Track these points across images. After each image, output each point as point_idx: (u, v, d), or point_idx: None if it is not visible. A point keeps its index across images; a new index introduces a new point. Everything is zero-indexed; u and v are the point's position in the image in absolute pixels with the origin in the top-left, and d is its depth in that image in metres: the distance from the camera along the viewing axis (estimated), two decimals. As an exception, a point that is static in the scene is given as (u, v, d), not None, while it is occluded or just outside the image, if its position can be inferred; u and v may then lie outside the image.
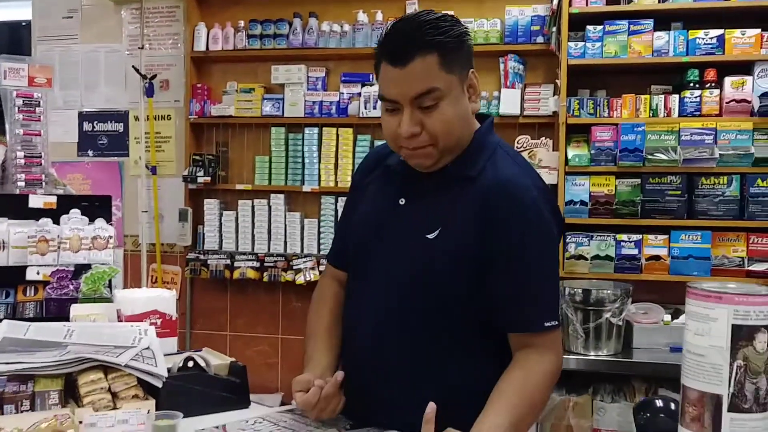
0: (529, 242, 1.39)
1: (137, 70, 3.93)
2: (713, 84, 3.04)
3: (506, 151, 1.51)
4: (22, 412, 1.45)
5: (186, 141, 3.91)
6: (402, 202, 1.50)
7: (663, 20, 3.09)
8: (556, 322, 1.41)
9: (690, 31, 3.04)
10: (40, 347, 1.58)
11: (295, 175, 3.78)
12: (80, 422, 1.42)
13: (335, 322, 1.62)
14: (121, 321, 1.81)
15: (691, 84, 3.06)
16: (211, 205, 3.87)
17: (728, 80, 3.01)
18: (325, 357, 1.55)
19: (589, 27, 3.13)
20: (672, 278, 3.04)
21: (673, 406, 1.22)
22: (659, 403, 1.26)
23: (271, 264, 3.75)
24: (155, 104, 4.00)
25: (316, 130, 3.74)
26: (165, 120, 4.06)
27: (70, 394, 1.53)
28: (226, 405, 1.67)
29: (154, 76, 3.97)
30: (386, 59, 1.38)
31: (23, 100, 2.10)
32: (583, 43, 3.13)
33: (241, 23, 3.82)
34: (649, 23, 3.07)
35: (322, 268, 3.63)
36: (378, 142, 3.67)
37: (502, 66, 3.52)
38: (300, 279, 3.68)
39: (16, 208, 2.02)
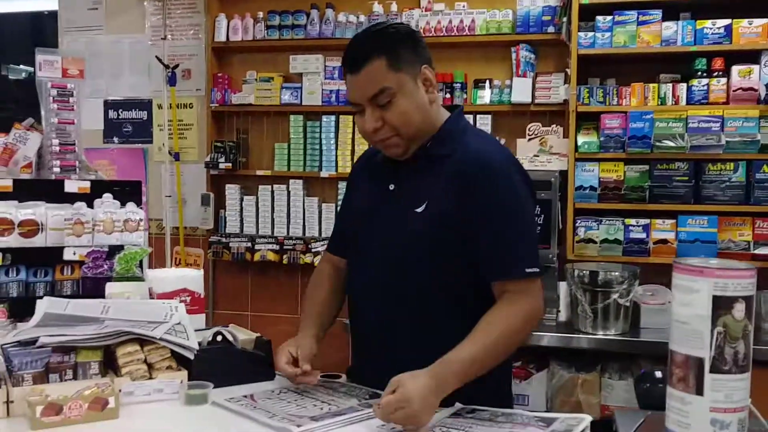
0: (502, 199, 1.59)
1: (160, 60, 4.05)
2: (720, 72, 3.11)
3: (476, 132, 1.77)
4: (65, 381, 1.59)
5: (208, 128, 4.04)
6: (391, 187, 1.69)
7: (671, 10, 3.16)
8: (537, 269, 1.58)
9: (698, 21, 3.10)
10: (80, 322, 1.71)
11: (313, 161, 3.90)
12: (119, 390, 1.55)
13: (328, 298, 1.84)
14: (153, 298, 1.94)
15: (699, 73, 3.13)
16: (232, 190, 4.00)
17: (735, 69, 3.08)
18: (313, 328, 1.77)
19: (599, 17, 3.21)
20: (679, 262, 3.12)
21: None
22: (658, 374, 1.37)
23: (290, 247, 3.88)
24: (177, 93, 4.13)
25: (333, 117, 3.85)
26: (187, 108, 4.19)
27: (108, 365, 1.66)
28: (252, 377, 1.79)
29: (177, 66, 4.10)
30: (345, 68, 1.61)
31: (57, 91, 2.22)
32: (593, 33, 3.20)
33: (260, 14, 3.92)
34: (658, 13, 3.14)
35: (339, 251, 3.76)
36: (393, 130, 3.77)
37: (513, 55, 3.61)
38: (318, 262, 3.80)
39: (52, 192, 2.14)
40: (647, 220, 3.15)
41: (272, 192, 3.96)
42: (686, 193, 3.11)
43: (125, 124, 4.27)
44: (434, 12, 3.70)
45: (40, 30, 4.69)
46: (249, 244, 3.95)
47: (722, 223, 3.09)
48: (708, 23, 3.08)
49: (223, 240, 3.98)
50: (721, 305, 1.00)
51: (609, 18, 3.18)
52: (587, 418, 1.40)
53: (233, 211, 4.02)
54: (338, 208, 2.05)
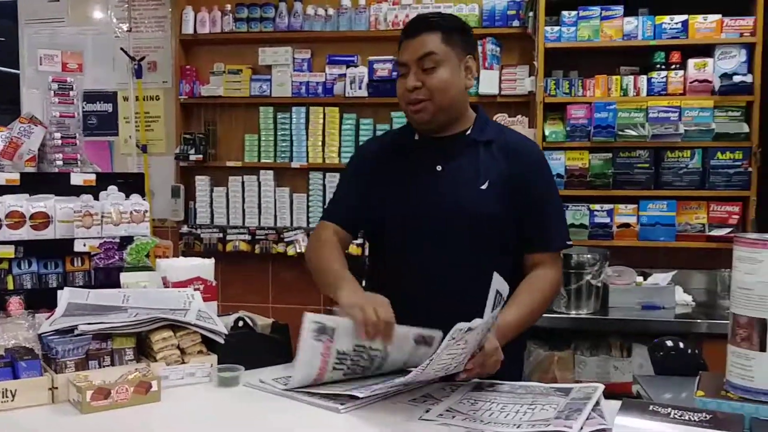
0: (548, 182, 1.88)
1: (126, 52, 4.02)
2: (678, 65, 3.33)
3: (505, 127, 2.03)
4: (104, 367, 1.63)
5: (176, 120, 4.03)
6: (439, 168, 1.84)
7: (632, 6, 3.35)
8: (570, 243, 1.87)
9: (657, 17, 3.31)
10: (104, 311, 1.74)
11: (284, 152, 3.95)
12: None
13: (344, 260, 1.86)
14: (167, 287, 1.98)
15: (658, 65, 3.34)
16: (202, 182, 4.01)
17: (691, 62, 3.30)
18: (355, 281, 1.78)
19: (564, 12, 3.37)
20: (641, 244, 3.35)
21: (681, 345, 1.49)
22: (669, 343, 1.52)
23: (263, 237, 3.93)
24: (144, 85, 4.10)
25: (303, 109, 3.91)
26: (154, 100, 4.17)
27: (140, 351, 1.71)
28: (272, 359, 1.87)
29: (143, 58, 4.07)
30: (403, 35, 1.82)
31: (58, 85, 2.23)
32: (558, 27, 3.37)
33: (228, 7, 3.94)
34: (620, 9, 3.33)
35: (313, 240, 3.83)
36: (364, 121, 3.87)
37: (480, 48, 3.74)
38: (291, 251, 3.87)
39: (57, 185, 2.16)
40: (611, 206, 3.35)
41: (243, 183, 4.00)
42: (647, 180, 3.32)
43: (90, 116, 4.21)
44: (402, 5, 3.80)
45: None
46: (221, 235, 3.97)
47: (680, 207, 3.32)
48: (666, 19, 3.29)
49: (195, 231, 3.99)
50: None
51: (574, 13, 3.35)
52: (600, 387, 1.54)
53: (203, 203, 4.03)
54: (340, 186, 2.04)
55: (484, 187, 1.80)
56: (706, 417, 1.07)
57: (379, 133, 3.82)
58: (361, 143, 3.84)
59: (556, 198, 1.89)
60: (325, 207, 2.12)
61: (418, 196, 1.84)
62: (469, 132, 1.87)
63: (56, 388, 1.54)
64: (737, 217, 3.29)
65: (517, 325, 1.72)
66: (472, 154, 1.84)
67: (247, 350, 1.82)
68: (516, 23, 3.68)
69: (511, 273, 1.84)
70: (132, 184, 2.26)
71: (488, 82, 3.70)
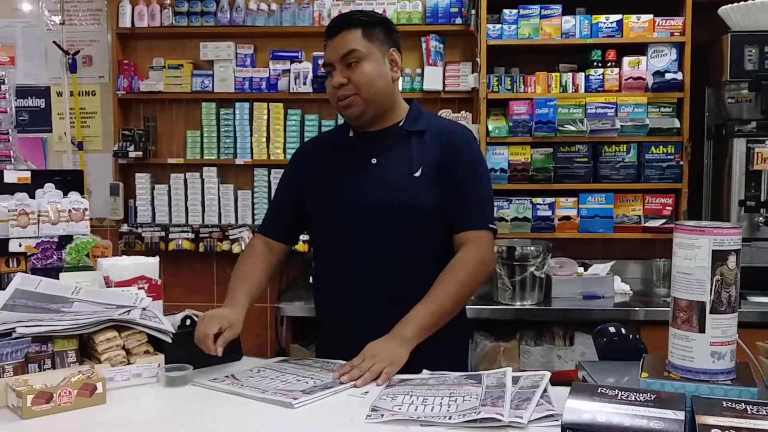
0: (473, 165, 1.92)
1: (59, 46, 3.89)
2: (613, 63, 3.43)
3: (439, 117, 2.24)
4: (45, 370, 1.58)
5: (114, 116, 3.93)
6: (374, 161, 1.89)
7: (569, 5, 3.44)
8: (494, 227, 1.91)
9: (593, 16, 3.40)
10: (50, 302, 1.69)
11: (227, 148, 3.90)
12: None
13: (261, 274, 1.99)
14: (109, 287, 1.93)
15: (595, 63, 3.43)
16: (142, 179, 3.92)
17: (626, 60, 3.41)
18: (244, 300, 1.91)
19: (505, 10, 3.43)
20: (581, 235, 3.44)
21: (623, 330, 1.55)
22: (612, 329, 1.58)
23: (207, 235, 3.87)
24: (79, 80, 3.97)
25: (247, 105, 3.86)
26: (90, 96, 4.05)
27: (83, 353, 1.67)
28: (222, 358, 1.84)
29: (77, 52, 3.94)
30: (326, 37, 1.89)
31: (-12, 79, 2.14)
32: (500, 25, 3.43)
33: (167, 0, 3.85)
34: (558, 8, 3.41)
35: (258, 237, 3.79)
36: (309, 116, 3.85)
37: (424, 45, 3.77)
38: (236, 248, 3.82)
39: (-11, 183, 2.08)
40: (552, 199, 3.43)
41: (185, 180, 3.92)
42: (586, 174, 3.41)
43: (21, 112, 4.06)
44: (346, 2, 3.79)
45: None
46: (162, 234, 3.89)
47: (617, 200, 3.43)
48: (602, 18, 3.39)
49: (135, 230, 3.90)
50: (718, 257, 1.22)
51: (514, 11, 3.41)
52: (547, 374, 1.59)
53: (144, 201, 3.94)
54: (275, 195, 2.12)
55: (417, 174, 1.85)
56: (650, 397, 1.11)
57: (324, 129, 3.81)
58: (306, 139, 3.84)
59: (481, 180, 1.92)
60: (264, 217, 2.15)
61: (355, 189, 1.88)
62: (402, 123, 1.92)
63: (-6, 393, 1.49)
64: (670, 208, 3.42)
65: (425, 314, 1.75)
66: (405, 144, 1.90)
67: (196, 349, 1.80)
68: (459, 21, 3.72)
69: (449, 254, 1.90)
70: (70, 181, 2.20)
71: (432, 79, 3.73)
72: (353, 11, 1.94)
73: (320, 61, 1.97)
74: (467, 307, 1.97)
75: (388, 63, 1.89)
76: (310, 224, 2.02)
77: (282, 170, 3.71)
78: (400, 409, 1.42)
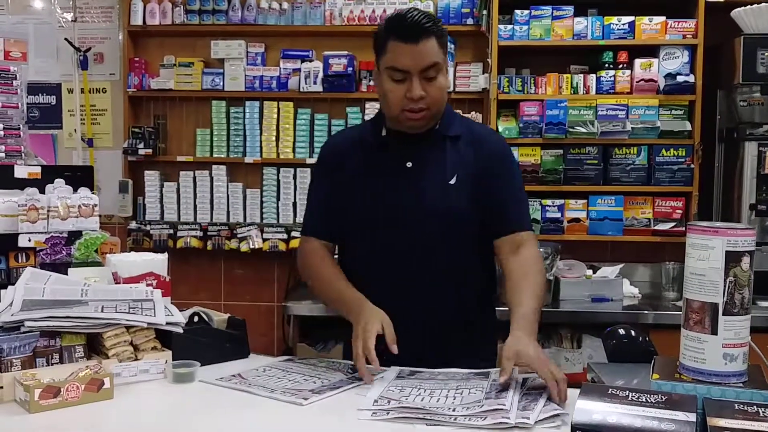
0: (513, 173, 1.93)
1: (71, 43, 3.90)
2: (625, 65, 3.41)
3: (469, 119, 2.14)
4: (52, 364, 1.58)
5: (124, 114, 3.94)
6: (409, 165, 1.85)
7: (581, 6, 3.42)
8: (533, 229, 1.95)
9: (605, 18, 3.38)
10: (62, 306, 1.68)
11: (237, 146, 3.90)
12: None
13: (340, 270, 1.91)
14: (118, 283, 1.93)
15: (606, 65, 3.42)
16: (151, 177, 3.93)
17: (638, 62, 3.39)
18: (357, 292, 1.82)
19: (517, 11, 3.42)
20: (590, 238, 3.42)
21: (633, 333, 1.53)
22: (621, 331, 1.56)
23: (215, 233, 3.87)
24: (90, 77, 3.99)
25: (257, 104, 3.87)
26: (100, 93, 4.06)
27: (91, 348, 1.67)
28: (229, 355, 1.85)
29: (89, 49, 3.96)
30: (398, 38, 1.74)
31: (0, 74, 2.15)
32: (511, 26, 3.42)
33: (179, -2, 3.87)
34: (570, 9, 3.40)
35: (266, 235, 3.80)
36: (318, 116, 3.84)
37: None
38: (244, 247, 3.82)
39: (0, 178, 2.08)
40: (562, 201, 3.42)
41: (194, 178, 3.92)
42: (596, 176, 3.39)
43: (32, 108, 4.07)
44: (357, 1, 3.79)
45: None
46: (171, 231, 3.90)
47: (627, 203, 3.41)
48: (614, 19, 3.37)
49: (144, 227, 3.90)
50: (732, 258, 1.21)
51: (526, 12, 3.40)
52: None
53: (153, 198, 3.94)
54: (311, 194, 2.05)
55: (452, 182, 1.83)
56: (661, 398, 1.10)
57: (334, 128, 3.81)
58: (315, 138, 3.85)
59: (519, 183, 1.94)
60: (303, 219, 2.06)
61: (390, 193, 1.85)
62: (437, 127, 1.87)
63: (1, 387, 1.49)
64: (681, 211, 3.39)
65: (536, 310, 1.72)
66: (440, 149, 1.86)
67: (203, 346, 1.80)
68: (470, 21, 3.71)
69: (484, 268, 1.92)
70: (80, 177, 2.20)
71: (441, 79, 3.72)
72: (423, 14, 1.78)
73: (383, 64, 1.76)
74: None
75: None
76: (341, 226, 1.96)
77: (291, 169, 3.82)
78: (407, 399, 1.44)
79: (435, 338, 1.84)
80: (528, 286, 1.75)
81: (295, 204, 3.86)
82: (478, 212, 1.83)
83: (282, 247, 3.79)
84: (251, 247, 3.81)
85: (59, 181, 2.13)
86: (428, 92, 1.75)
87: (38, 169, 2.12)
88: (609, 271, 3.23)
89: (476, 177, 1.83)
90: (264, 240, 3.81)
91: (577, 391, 1.15)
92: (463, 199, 1.82)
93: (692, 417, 1.05)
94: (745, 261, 1.20)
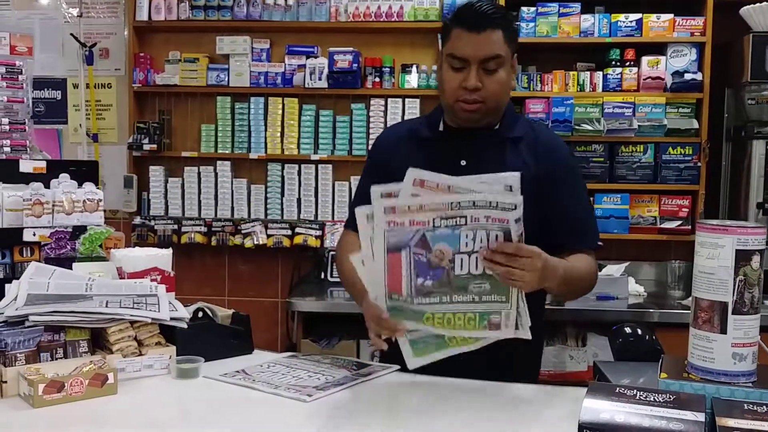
0: (579, 185, 1.86)
1: (76, 38, 3.90)
2: (632, 62, 3.39)
3: (535, 122, 2.04)
4: (57, 359, 1.58)
5: (129, 109, 3.94)
6: (463, 163, 1.77)
7: (588, 4, 3.41)
8: (601, 243, 1.83)
9: (612, 15, 3.37)
10: (66, 301, 1.68)
11: (241, 142, 3.89)
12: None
13: None
14: (122, 278, 1.93)
15: (613, 62, 3.40)
16: (156, 172, 3.92)
17: (645, 59, 3.38)
18: None
19: (523, 8, 3.41)
20: (596, 236, 3.40)
21: (640, 331, 1.52)
22: (627, 330, 1.55)
23: (219, 228, 3.87)
24: (95, 72, 3.99)
25: (261, 99, 3.86)
26: (105, 88, 4.06)
27: (95, 343, 1.66)
28: (233, 351, 1.85)
29: (94, 45, 3.96)
30: (462, 26, 1.68)
31: (6, 68, 2.14)
32: (518, 22, 3.40)
33: (185, -7, 3.86)
34: (577, 6, 3.38)
35: (270, 231, 3.80)
36: (323, 112, 3.83)
37: (440, 42, 3.74)
38: (249, 243, 3.82)
39: (5, 172, 2.08)
40: (567, 199, 3.40)
41: (199, 173, 3.92)
42: (602, 173, 3.38)
43: (37, 103, 4.06)
44: (363, -3, 3.78)
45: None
46: (175, 227, 3.89)
47: (633, 201, 3.40)
48: (621, 17, 3.35)
49: (148, 222, 3.90)
50: (742, 257, 1.19)
51: (533, 9, 3.39)
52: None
53: (157, 193, 3.94)
54: (358, 188, 1.94)
55: None
56: (669, 398, 1.09)
57: (339, 125, 3.81)
58: (320, 135, 3.84)
59: (586, 198, 1.88)
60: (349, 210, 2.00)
61: None
62: (497, 127, 1.80)
63: (5, 381, 1.49)
64: (687, 210, 3.38)
65: (576, 273, 1.65)
66: (498, 150, 1.78)
67: (208, 341, 1.80)
68: (475, 17, 3.68)
69: None
70: (85, 172, 2.19)
71: (447, 76, 3.70)
72: (492, 4, 1.71)
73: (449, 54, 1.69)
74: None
75: (511, 69, 1.76)
76: None
77: (296, 165, 3.81)
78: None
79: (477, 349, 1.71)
80: (577, 261, 1.70)
81: (299, 200, 3.85)
82: (534, 220, 1.67)
83: (286, 243, 3.79)
84: (255, 242, 3.81)
85: (64, 176, 2.14)
86: (486, 85, 1.68)
87: (43, 164, 2.11)
88: (614, 270, 3.21)
89: (536, 185, 1.70)
90: (268, 236, 3.80)
91: (584, 390, 1.14)
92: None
93: (701, 417, 1.04)
94: (756, 260, 1.19)
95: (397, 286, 1.49)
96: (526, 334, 1.48)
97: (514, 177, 1.45)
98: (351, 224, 1.93)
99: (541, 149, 1.78)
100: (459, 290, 1.47)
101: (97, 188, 2.18)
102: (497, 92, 1.71)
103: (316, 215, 3.84)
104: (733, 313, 1.21)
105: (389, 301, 1.52)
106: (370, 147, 3.73)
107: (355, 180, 3.79)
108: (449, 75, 1.72)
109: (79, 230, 2.06)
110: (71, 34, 3.92)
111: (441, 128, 1.83)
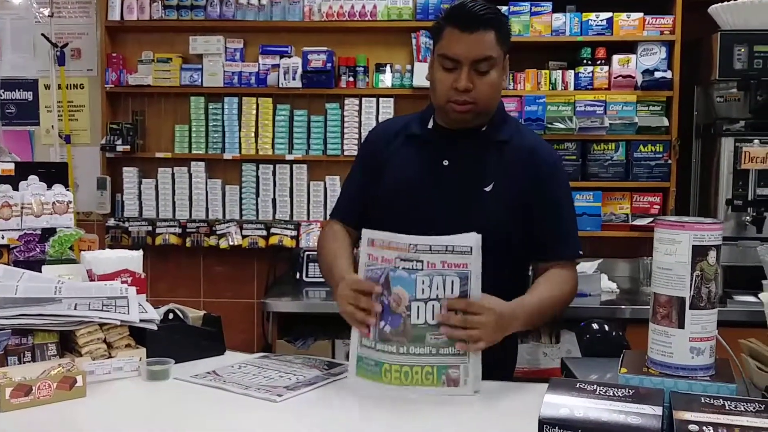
0: (563, 192, 1.81)
1: (47, 38, 3.86)
2: (603, 61, 3.43)
3: (522, 124, 1.99)
4: (24, 363, 1.57)
5: (102, 110, 3.90)
6: (446, 163, 1.77)
7: (560, 3, 3.44)
8: (581, 252, 1.79)
9: (583, 14, 3.41)
10: (35, 304, 1.67)
11: (215, 143, 3.88)
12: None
13: (349, 253, 1.84)
14: (92, 280, 1.92)
15: (585, 61, 3.44)
16: (130, 173, 3.90)
17: (616, 58, 3.42)
18: (348, 266, 1.76)
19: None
20: (569, 233, 3.44)
21: (606, 327, 1.55)
22: (595, 326, 1.58)
23: (194, 230, 3.85)
24: (67, 73, 3.95)
25: (235, 100, 3.85)
26: (78, 89, 4.02)
27: (64, 346, 1.65)
28: (204, 352, 1.85)
29: (66, 45, 3.92)
30: (455, 25, 1.67)
31: (-29, 69, 2.12)
32: (491, 21, 3.42)
33: (157, -7, 3.83)
34: (548, 6, 3.41)
35: (245, 232, 3.79)
36: (297, 112, 3.83)
37: (414, 41, 3.77)
38: (224, 243, 3.80)
39: (-29, 175, 2.06)
40: (541, 196, 3.43)
41: (173, 174, 3.90)
42: (575, 171, 3.42)
43: (8, 105, 4.03)
44: (336, -4, 3.78)
45: None
46: (149, 228, 3.87)
47: (605, 198, 3.44)
48: (592, 16, 3.39)
49: (122, 224, 3.87)
50: (698, 253, 1.22)
51: (505, 8, 3.40)
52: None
53: (131, 195, 3.91)
54: (348, 178, 1.99)
55: (487, 189, 1.73)
56: (629, 392, 1.11)
57: (313, 125, 3.81)
58: (294, 135, 3.83)
59: (570, 205, 1.84)
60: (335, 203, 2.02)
61: (420, 191, 1.78)
62: (484, 128, 1.78)
63: (-28, 385, 1.47)
64: (658, 207, 3.43)
65: (538, 308, 1.62)
66: (481, 151, 1.77)
67: (178, 343, 1.79)
68: (448, 17, 3.70)
69: (513, 280, 1.79)
70: (54, 173, 2.18)
71: (422, 75, 3.67)
72: (485, 5, 1.70)
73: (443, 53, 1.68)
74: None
75: (503, 70, 1.75)
76: (369, 213, 1.89)
77: (271, 165, 3.81)
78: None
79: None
80: (547, 286, 1.67)
81: (274, 200, 3.85)
82: (514, 226, 1.72)
83: (261, 243, 3.78)
84: (230, 243, 3.80)
85: (33, 178, 2.12)
86: (477, 86, 1.67)
87: (11, 166, 2.10)
88: (587, 267, 3.25)
89: (519, 189, 1.71)
90: (243, 236, 3.80)
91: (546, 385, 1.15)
92: (497, 211, 1.71)
93: (659, 410, 1.06)
94: (712, 255, 1.22)
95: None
96: (476, 387, 1.48)
97: (474, 238, 1.46)
98: (334, 214, 1.97)
99: (525, 154, 1.77)
100: (416, 341, 1.47)
101: (67, 190, 2.16)
102: (488, 94, 1.70)
103: (291, 215, 3.84)
104: (690, 308, 1.23)
105: (360, 348, 1.53)
106: (345, 145, 3.76)
107: (330, 179, 3.80)
108: (440, 75, 1.71)
109: (49, 232, 2.05)
110: (42, 35, 3.89)
111: (430, 126, 1.83)
